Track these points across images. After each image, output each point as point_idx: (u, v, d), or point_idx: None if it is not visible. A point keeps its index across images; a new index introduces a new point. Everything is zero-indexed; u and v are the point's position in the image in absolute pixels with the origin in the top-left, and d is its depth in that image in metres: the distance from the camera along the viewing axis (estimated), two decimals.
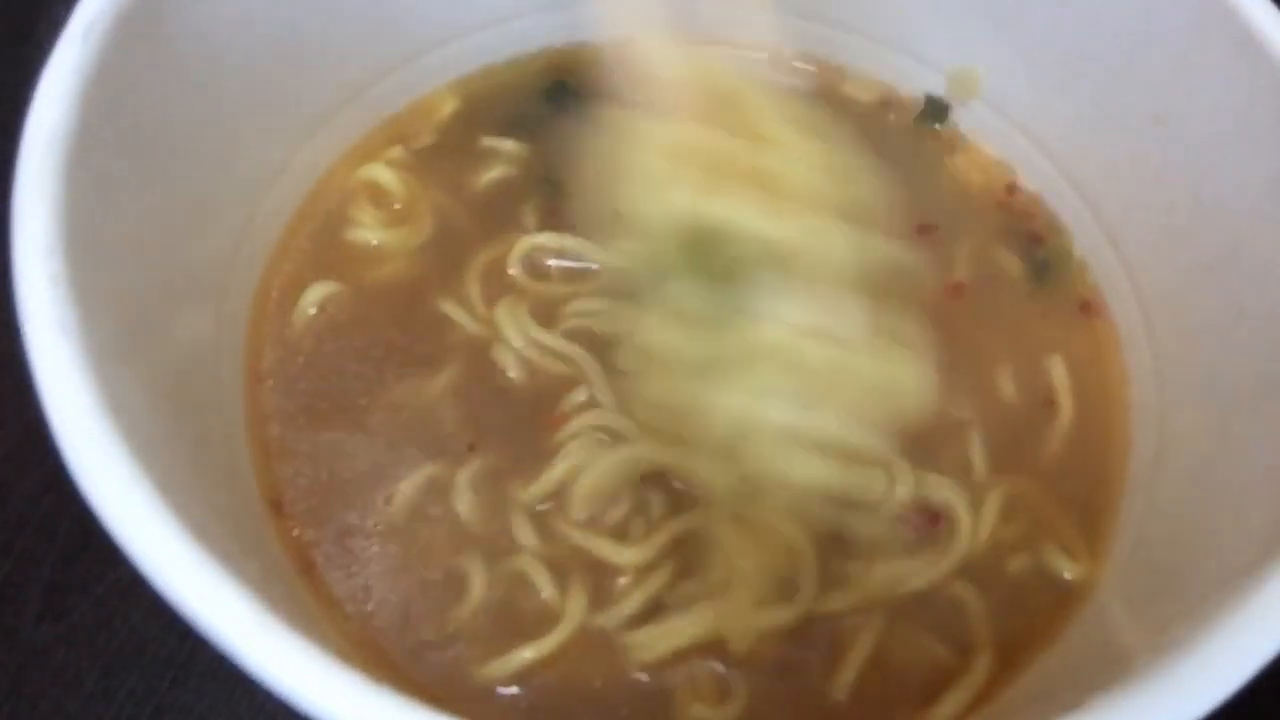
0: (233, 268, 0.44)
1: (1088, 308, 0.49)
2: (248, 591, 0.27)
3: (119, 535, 0.27)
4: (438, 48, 0.53)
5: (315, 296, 0.46)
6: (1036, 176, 0.52)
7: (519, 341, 0.46)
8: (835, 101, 0.55)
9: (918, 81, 0.54)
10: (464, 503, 0.42)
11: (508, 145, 0.52)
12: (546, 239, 0.48)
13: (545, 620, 0.40)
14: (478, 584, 0.40)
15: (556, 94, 0.54)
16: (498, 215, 0.50)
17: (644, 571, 0.41)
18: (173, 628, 0.46)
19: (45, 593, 0.47)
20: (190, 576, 0.27)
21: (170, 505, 0.27)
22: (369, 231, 0.49)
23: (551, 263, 0.48)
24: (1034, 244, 0.51)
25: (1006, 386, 0.47)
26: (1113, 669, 0.29)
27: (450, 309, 0.47)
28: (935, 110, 0.54)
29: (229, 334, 0.43)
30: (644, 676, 0.39)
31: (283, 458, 0.42)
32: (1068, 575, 0.42)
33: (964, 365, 0.47)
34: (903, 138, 0.54)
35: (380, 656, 0.39)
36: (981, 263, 0.50)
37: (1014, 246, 0.51)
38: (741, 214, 0.37)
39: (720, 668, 0.39)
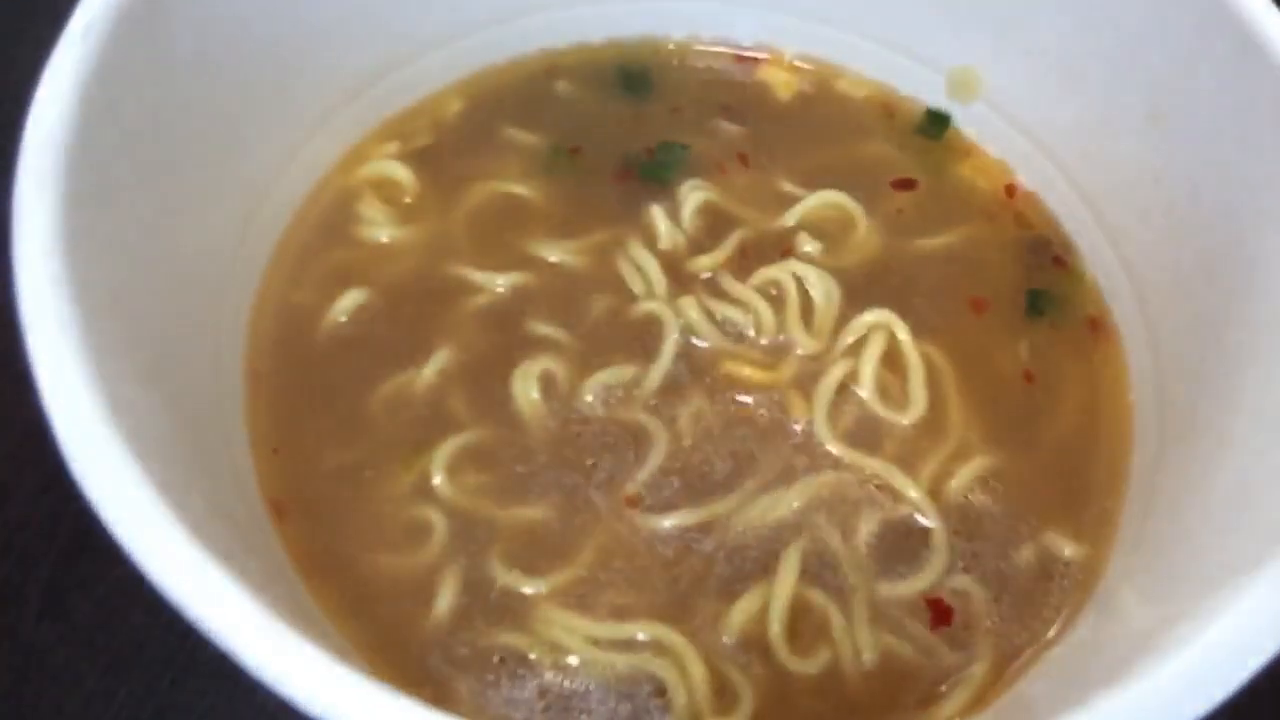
0: (233, 267, 0.44)
1: (1092, 313, 0.49)
2: (248, 591, 0.27)
3: (119, 535, 0.27)
4: (438, 48, 0.53)
5: (318, 294, 0.46)
6: (1037, 177, 0.52)
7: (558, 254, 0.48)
8: (834, 103, 0.55)
9: (918, 82, 0.54)
10: (470, 495, 0.42)
11: (515, 141, 0.52)
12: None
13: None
14: (474, 584, 0.40)
15: (562, 90, 0.54)
16: (504, 210, 0.50)
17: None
18: (173, 628, 0.46)
19: (45, 593, 0.47)
20: (191, 576, 0.27)
21: (170, 505, 0.27)
22: (379, 228, 0.49)
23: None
24: (1042, 254, 0.51)
25: (1008, 388, 0.47)
26: (1113, 668, 0.29)
27: (466, 272, 0.47)
28: (935, 122, 0.54)
29: (229, 333, 0.43)
30: (651, 689, 0.39)
31: (284, 457, 0.42)
32: (1068, 568, 0.42)
33: (965, 365, 0.47)
34: (906, 142, 0.54)
35: (380, 656, 0.39)
36: (986, 269, 0.50)
37: (1020, 254, 0.51)
38: None
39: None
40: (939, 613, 0.41)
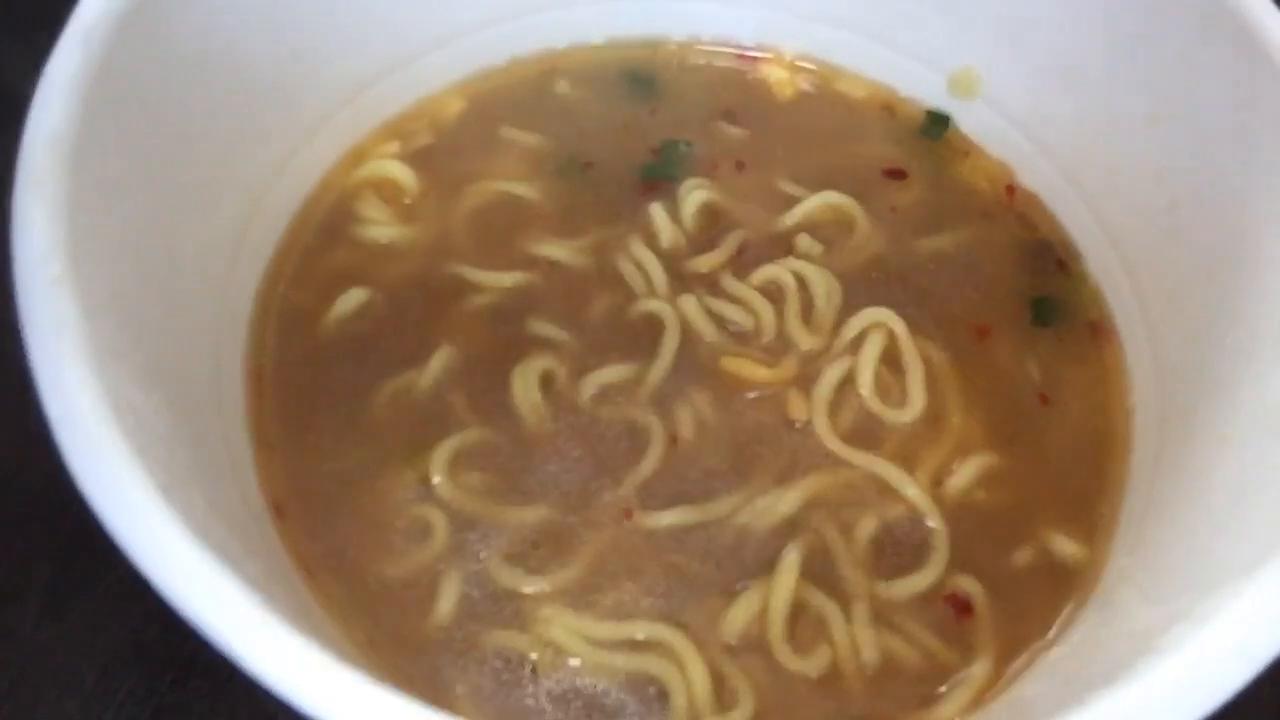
0: (234, 267, 0.44)
1: (1093, 317, 0.49)
2: (248, 592, 0.27)
3: (119, 535, 0.27)
4: (438, 48, 0.53)
5: (319, 294, 0.47)
6: (1036, 177, 0.52)
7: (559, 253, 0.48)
8: (835, 103, 0.55)
9: (918, 82, 0.54)
10: (470, 495, 0.42)
11: (516, 141, 0.52)
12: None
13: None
14: (474, 583, 0.40)
15: (562, 91, 0.54)
16: (505, 210, 0.50)
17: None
18: (173, 628, 0.46)
19: (45, 593, 0.47)
20: (190, 577, 0.27)
21: (171, 505, 0.27)
22: (379, 228, 0.49)
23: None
24: (1045, 258, 0.51)
25: (1007, 387, 0.47)
26: (1113, 668, 0.29)
27: (467, 271, 0.47)
28: (936, 122, 0.54)
29: (230, 333, 0.44)
30: (651, 689, 0.39)
31: (284, 457, 0.42)
32: (1068, 568, 0.42)
33: (965, 364, 0.47)
34: (907, 142, 0.54)
35: (380, 656, 0.39)
36: (988, 271, 0.50)
37: (1022, 257, 0.51)
38: None
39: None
40: (959, 608, 0.41)
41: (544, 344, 0.46)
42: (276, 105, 0.46)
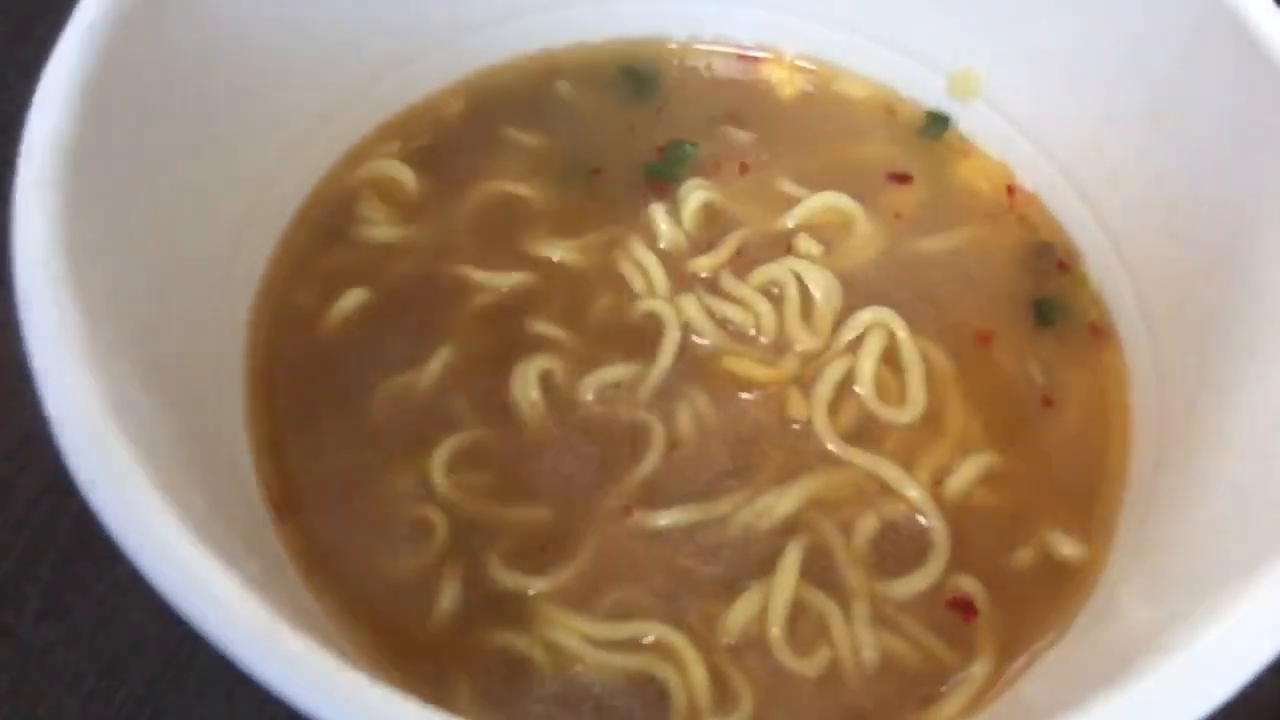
0: (233, 267, 0.44)
1: (1094, 318, 0.49)
2: (249, 592, 0.27)
3: (119, 535, 0.27)
4: (438, 48, 0.53)
5: (319, 294, 0.47)
6: (1037, 178, 0.52)
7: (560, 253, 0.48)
8: (835, 103, 0.55)
9: (918, 83, 0.54)
10: (470, 495, 0.42)
11: (516, 141, 0.52)
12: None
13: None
14: (474, 583, 0.40)
15: (563, 90, 0.54)
16: (505, 210, 0.50)
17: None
18: (173, 628, 0.45)
19: (45, 593, 0.47)
20: (191, 576, 0.27)
21: (171, 505, 0.27)
22: (379, 228, 0.49)
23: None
24: (1046, 260, 0.51)
25: (1007, 387, 0.47)
26: (1112, 669, 0.29)
27: (467, 271, 0.47)
28: (936, 122, 0.54)
29: (230, 333, 0.44)
30: (651, 689, 0.39)
31: (284, 457, 0.42)
32: (1068, 568, 0.42)
33: (965, 364, 0.47)
34: (907, 142, 0.54)
35: (380, 657, 0.39)
36: (990, 272, 0.50)
37: (1023, 258, 0.51)
38: None
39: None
40: (960, 607, 0.41)
41: (544, 344, 0.46)
42: (277, 105, 0.46)
